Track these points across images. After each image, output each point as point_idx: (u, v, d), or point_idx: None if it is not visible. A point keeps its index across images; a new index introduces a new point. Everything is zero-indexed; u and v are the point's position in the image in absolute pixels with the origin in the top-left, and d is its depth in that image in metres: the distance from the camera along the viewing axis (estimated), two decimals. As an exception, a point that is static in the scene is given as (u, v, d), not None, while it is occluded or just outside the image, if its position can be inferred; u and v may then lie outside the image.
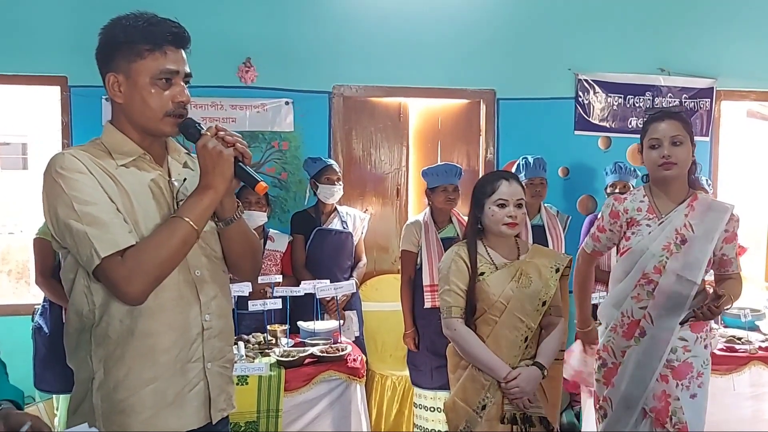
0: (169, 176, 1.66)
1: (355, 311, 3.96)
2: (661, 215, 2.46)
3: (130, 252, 1.47)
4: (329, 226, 3.95)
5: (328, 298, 3.64)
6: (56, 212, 1.49)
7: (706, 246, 2.40)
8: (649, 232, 2.45)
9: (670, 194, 2.47)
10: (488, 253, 2.48)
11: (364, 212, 4.39)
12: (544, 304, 2.42)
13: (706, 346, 2.51)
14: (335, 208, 4.01)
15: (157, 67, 1.54)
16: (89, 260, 1.46)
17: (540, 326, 2.46)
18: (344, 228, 3.97)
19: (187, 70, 1.60)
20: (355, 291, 3.70)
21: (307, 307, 3.48)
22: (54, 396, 3.71)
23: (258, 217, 3.59)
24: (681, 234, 2.41)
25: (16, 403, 1.52)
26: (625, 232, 2.53)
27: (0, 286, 8.18)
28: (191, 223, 1.51)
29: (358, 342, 3.88)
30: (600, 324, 2.66)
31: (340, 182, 3.91)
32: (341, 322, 3.54)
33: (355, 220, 4.06)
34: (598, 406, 2.59)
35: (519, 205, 2.45)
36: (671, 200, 2.47)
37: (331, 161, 3.96)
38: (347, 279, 3.87)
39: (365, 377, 3.20)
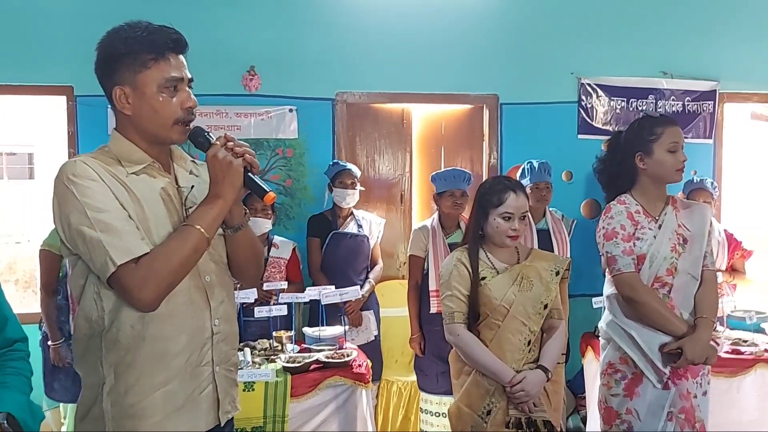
0: (177, 183, 1.68)
1: (371, 311, 3.98)
2: (655, 218, 2.50)
3: (144, 259, 1.49)
4: (345, 230, 3.97)
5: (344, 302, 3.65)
6: (68, 219, 1.50)
7: (702, 243, 2.48)
8: (654, 236, 2.46)
9: (660, 197, 2.53)
10: (489, 258, 2.50)
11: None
12: (545, 307, 2.44)
13: None
14: (352, 212, 4.03)
15: (163, 75, 1.56)
16: (104, 267, 1.48)
17: (541, 330, 2.47)
18: (360, 231, 3.99)
19: (189, 75, 1.63)
20: (359, 296, 3.70)
21: (327, 311, 3.49)
22: (61, 405, 3.73)
23: (263, 225, 3.60)
24: (680, 234, 2.46)
25: (11, 416, 1.53)
26: (633, 234, 2.53)
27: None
28: (203, 230, 1.53)
29: (375, 342, 3.91)
30: (605, 341, 2.58)
31: (355, 187, 3.93)
32: (346, 327, 3.55)
33: (371, 224, 4.08)
34: (618, 420, 2.47)
35: (523, 218, 2.48)
36: (657, 203, 2.53)
37: (349, 166, 3.97)
38: (362, 282, 3.91)
39: (370, 382, 3.20)
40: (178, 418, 1.60)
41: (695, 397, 2.43)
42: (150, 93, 1.57)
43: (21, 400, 1.60)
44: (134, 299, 1.49)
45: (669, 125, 2.50)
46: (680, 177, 2.50)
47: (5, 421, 1.53)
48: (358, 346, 3.57)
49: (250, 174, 1.58)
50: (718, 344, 2.52)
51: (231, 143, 1.56)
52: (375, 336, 3.94)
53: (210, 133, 1.62)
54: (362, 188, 4.04)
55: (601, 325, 2.62)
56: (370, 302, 3.99)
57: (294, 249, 3.88)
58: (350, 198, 3.92)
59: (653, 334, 2.42)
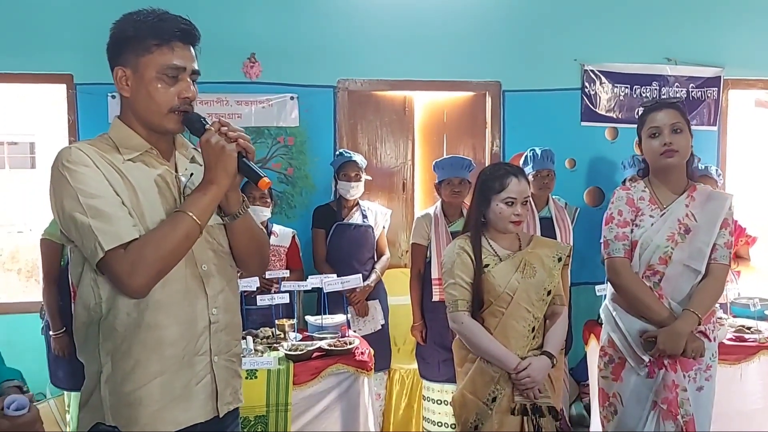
0: (176, 171, 1.67)
1: (377, 300, 3.97)
2: (662, 206, 2.45)
3: (133, 245, 1.48)
4: (349, 221, 3.96)
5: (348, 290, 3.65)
6: (62, 205, 1.50)
7: (708, 235, 2.40)
8: (652, 224, 2.43)
9: (670, 184, 2.46)
10: (491, 246, 2.49)
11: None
12: (549, 293, 2.44)
13: (714, 339, 2.48)
14: (357, 203, 4.02)
15: (164, 61, 1.55)
16: (93, 253, 1.47)
17: (544, 316, 2.47)
18: (364, 222, 3.98)
19: (195, 67, 1.61)
20: (361, 285, 3.70)
21: (329, 300, 3.49)
22: (65, 393, 3.73)
23: (261, 213, 3.59)
24: (684, 224, 2.40)
25: (19, 382, 1.64)
26: (633, 220, 2.52)
27: (10, 285, 8.28)
28: (194, 217, 1.51)
29: (383, 332, 3.91)
30: (603, 322, 2.62)
31: (359, 179, 3.91)
32: (348, 316, 3.55)
33: (376, 215, 4.06)
34: (607, 403, 2.53)
35: (525, 203, 2.47)
36: (671, 191, 2.46)
37: (355, 157, 3.94)
38: (368, 272, 3.90)
39: (372, 370, 3.20)
40: (175, 407, 1.58)
41: (684, 390, 2.38)
42: (148, 78, 1.56)
43: (15, 372, 1.68)
44: (123, 285, 1.48)
45: (653, 111, 2.45)
46: (668, 161, 2.39)
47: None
48: (364, 336, 3.57)
49: (244, 159, 1.56)
50: (711, 339, 2.46)
51: (225, 128, 1.55)
52: (382, 325, 3.93)
53: (206, 119, 1.60)
54: (368, 177, 4.02)
55: (601, 308, 2.65)
56: (377, 292, 3.98)
57: (293, 237, 3.87)
58: (354, 190, 3.91)
59: (634, 319, 2.43)
